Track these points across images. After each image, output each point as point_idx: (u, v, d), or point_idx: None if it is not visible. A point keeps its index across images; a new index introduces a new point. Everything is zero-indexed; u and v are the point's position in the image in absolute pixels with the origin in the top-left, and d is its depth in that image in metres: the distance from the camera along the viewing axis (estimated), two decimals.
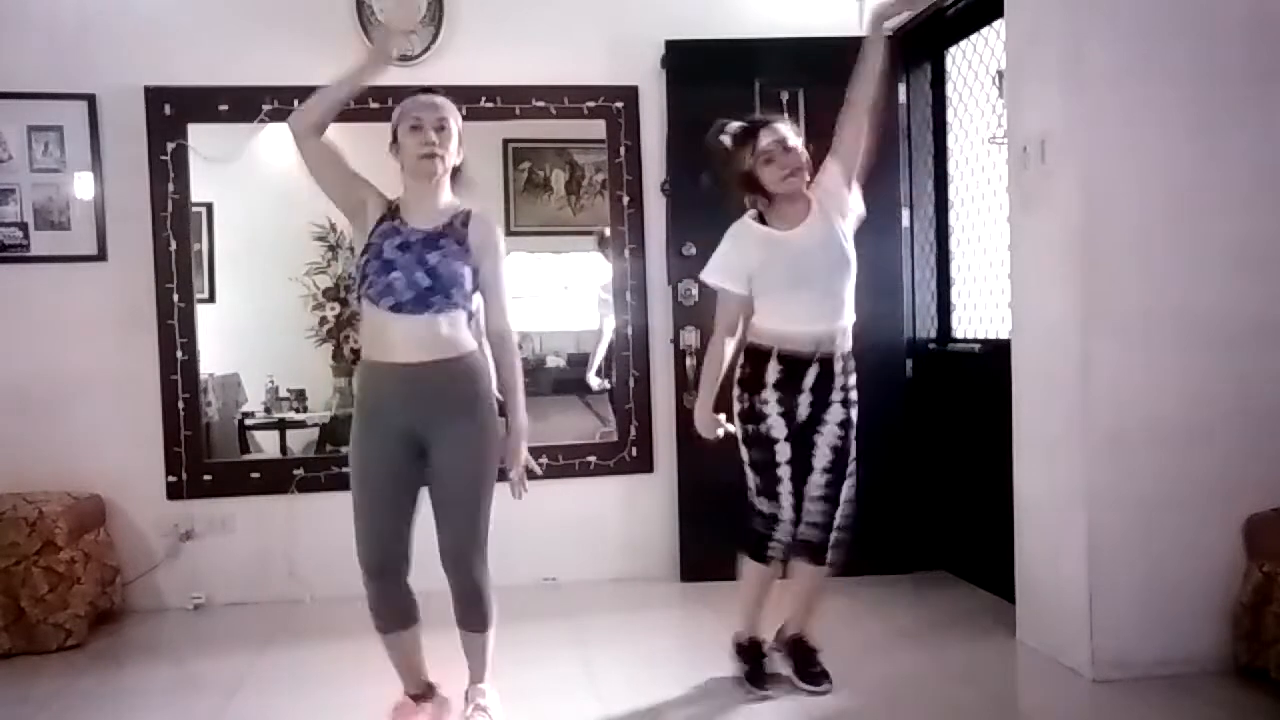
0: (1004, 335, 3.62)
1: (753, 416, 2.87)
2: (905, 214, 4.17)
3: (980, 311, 4.01)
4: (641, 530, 4.23)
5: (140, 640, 3.69)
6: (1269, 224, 3.00)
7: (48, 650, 3.47)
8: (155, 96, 3.95)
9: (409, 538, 2.58)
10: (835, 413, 2.87)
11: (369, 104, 4.02)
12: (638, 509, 4.25)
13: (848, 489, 2.90)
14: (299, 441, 5.06)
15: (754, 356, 2.88)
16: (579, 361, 5.52)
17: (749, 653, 3.01)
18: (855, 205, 2.93)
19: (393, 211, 2.56)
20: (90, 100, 3.93)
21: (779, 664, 3.02)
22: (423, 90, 2.64)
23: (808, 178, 2.87)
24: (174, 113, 3.96)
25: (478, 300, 2.60)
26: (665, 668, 3.23)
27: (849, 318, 2.90)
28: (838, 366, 2.87)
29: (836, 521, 2.89)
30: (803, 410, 2.86)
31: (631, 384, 4.26)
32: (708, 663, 3.11)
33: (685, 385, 4.11)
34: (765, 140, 2.83)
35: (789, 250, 2.84)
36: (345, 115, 4.04)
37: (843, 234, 2.88)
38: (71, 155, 3.93)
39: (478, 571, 2.58)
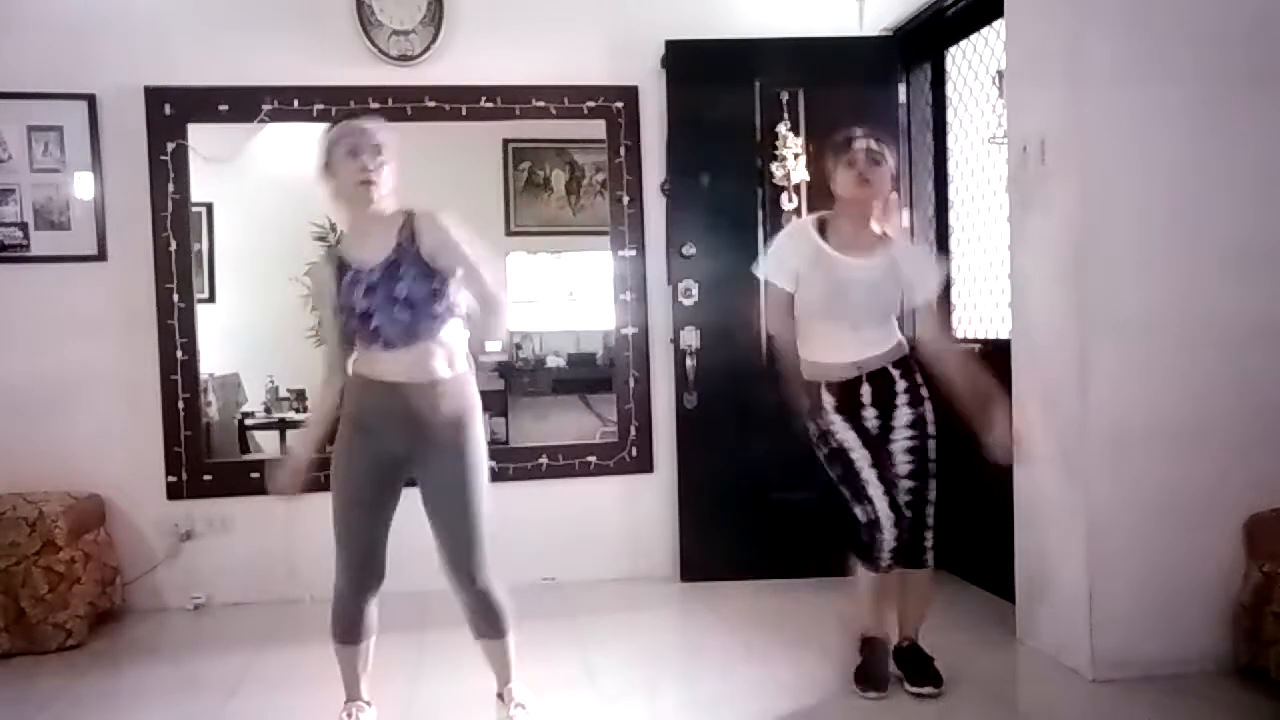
0: (1004, 335, 3.62)
1: (824, 438, 2.90)
2: (905, 214, 4.16)
3: (980, 311, 4.01)
4: (641, 530, 4.23)
5: (140, 640, 3.69)
6: (1270, 225, 3.00)
7: (48, 650, 3.47)
8: (155, 96, 3.95)
9: (386, 551, 2.60)
10: (903, 415, 2.88)
11: (369, 104, 4.06)
12: (638, 509, 4.24)
13: (933, 488, 2.90)
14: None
15: (810, 389, 2.92)
16: (579, 361, 5.52)
17: (869, 649, 2.99)
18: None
19: (341, 262, 2.51)
20: (90, 100, 3.93)
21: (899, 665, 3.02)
22: (350, 116, 2.62)
23: (879, 203, 2.89)
24: (174, 113, 3.97)
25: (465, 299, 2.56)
26: (665, 668, 3.24)
27: (892, 340, 2.91)
28: (896, 374, 2.88)
29: (928, 522, 2.89)
30: (871, 423, 2.88)
31: (631, 384, 4.26)
32: (708, 663, 3.11)
33: (685, 385, 4.12)
34: (855, 144, 2.86)
35: (835, 274, 2.85)
36: (345, 115, 4.04)
37: (892, 291, 2.88)
38: (71, 155, 3.93)
39: (484, 580, 2.56)
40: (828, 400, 2.87)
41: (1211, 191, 2.97)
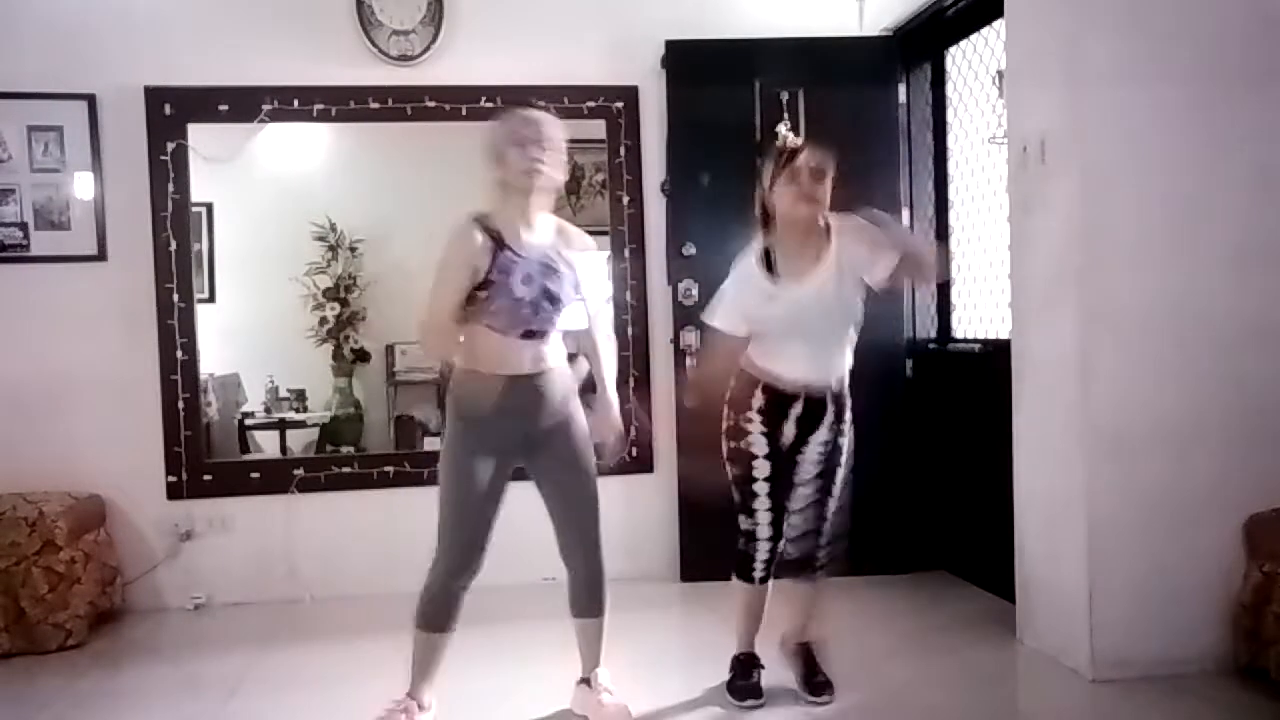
0: (1004, 335, 3.62)
1: (735, 434, 2.85)
2: (905, 214, 4.16)
3: (980, 311, 4.01)
4: (641, 530, 4.23)
5: (140, 640, 3.69)
6: (1269, 224, 3.00)
7: (48, 650, 3.47)
8: (155, 96, 3.95)
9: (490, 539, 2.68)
10: (820, 435, 2.84)
11: (369, 104, 4.07)
12: (638, 509, 4.24)
13: (837, 501, 2.87)
14: (299, 441, 5.07)
15: (743, 380, 2.86)
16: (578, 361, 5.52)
17: (738, 665, 2.97)
18: (873, 276, 2.80)
19: (498, 239, 2.57)
20: (90, 100, 3.93)
21: (789, 668, 2.99)
22: (525, 106, 2.69)
23: (821, 220, 2.76)
24: (174, 113, 3.97)
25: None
26: (665, 668, 3.24)
27: (844, 366, 2.86)
28: (828, 401, 2.83)
29: (824, 538, 2.88)
30: (788, 435, 2.83)
31: (631, 384, 4.26)
32: (708, 662, 3.10)
33: (685, 385, 4.11)
34: (799, 160, 2.73)
35: (791, 303, 2.75)
36: (345, 115, 4.11)
37: (852, 291, 2.79)
38: (71, 155, 3.93)
39: (602, 558, 2.80)
40: (758, 399, 2.81)
41: (1211, 191, 2.97)
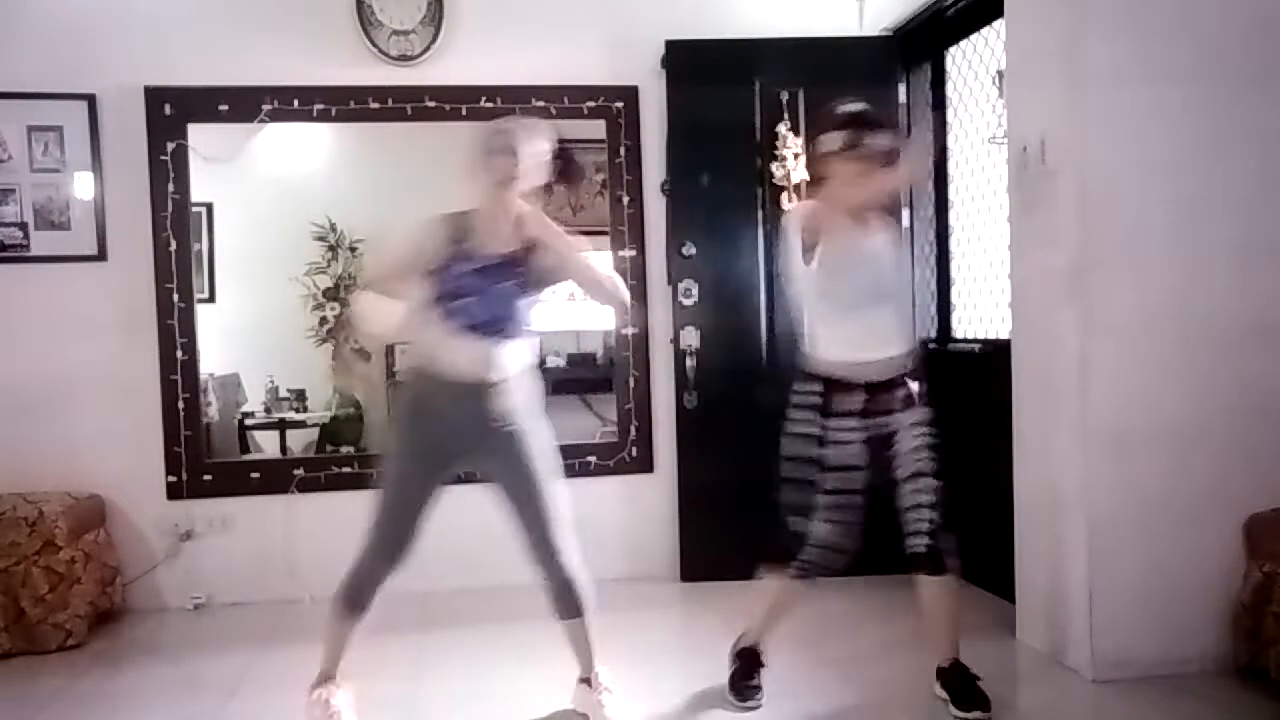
0: (1004, 335, 3.62)
1: (800, 437, 2.75)
2: (905, 214, 4.16)
3: (980, 311, 4.01)
4: (641, 530, 4.23)
5: (140, 640, 3.69)
6: (1269, 224, 3.00)
7: (48, 650, 3.48)
8: (155, 96, 3.95)
9: (417, 538, 2.69)
10: (901, 419, 2.75)
11: (369, 104, 4.07)
12: (638, 509, 4.25)
13: (939, 490, 2.76)
14: (299, 441, 5.07)
15: (807, 379, 2.77)
16: (578, 361, 5.52)
17: (744, 659, 2.94)
18: None
19: (462, 233, 2.64)
20: (90, 100, 3.93)
21: (938, 692, 2.84)
22: (515, 111, 2.78)
23: (870, 205, 2.73)
24: (174, 113, 3.96)
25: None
26: (665, 668, 3.24)
27: (898, 346, 2.77)
28: (893, 384, 2.75)
29: (939, 524, 2.74)
30: (863, 433, 2.73)
31: (631, 384, 4.26)
32: (707, 662, 3.10)
33: (685, 385, 4.12)
34: (869, 138, 2.66)
35: (862, 251, 2.67)
36: (345, 115, 4.11)
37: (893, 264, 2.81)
38: (71, 155, 3.93)
39: (569, 558, 2.72)
40: (835, 403, 2.72)
41: (1211, 191, 2.97)
